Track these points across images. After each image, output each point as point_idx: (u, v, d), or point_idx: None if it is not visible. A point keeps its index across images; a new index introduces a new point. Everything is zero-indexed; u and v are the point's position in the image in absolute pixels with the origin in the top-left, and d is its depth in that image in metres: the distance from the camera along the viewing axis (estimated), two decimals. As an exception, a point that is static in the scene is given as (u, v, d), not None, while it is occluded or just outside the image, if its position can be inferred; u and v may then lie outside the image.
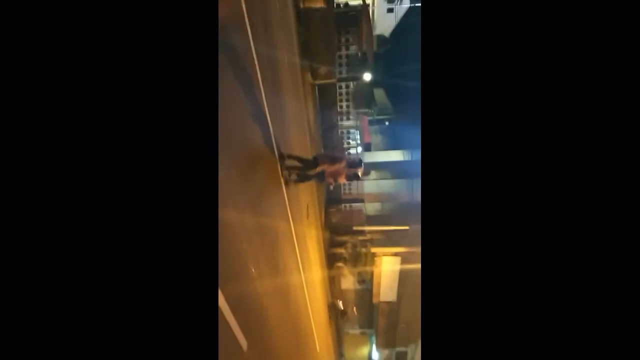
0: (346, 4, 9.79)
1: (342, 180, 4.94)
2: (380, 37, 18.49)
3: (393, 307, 16.86)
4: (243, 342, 2.89)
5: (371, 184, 17.08)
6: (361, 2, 9.64)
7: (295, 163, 5.22)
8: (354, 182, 15.57)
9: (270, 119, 4.81)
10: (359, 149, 17.28)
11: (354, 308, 16.18)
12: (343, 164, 4.84)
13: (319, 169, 4.88)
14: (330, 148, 11.62)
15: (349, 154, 15.75)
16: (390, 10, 19.42)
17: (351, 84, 12.82)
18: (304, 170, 5.18)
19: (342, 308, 14.47)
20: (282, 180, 5.17)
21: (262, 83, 4.56)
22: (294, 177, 5.34)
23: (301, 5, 8.04)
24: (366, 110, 17.42)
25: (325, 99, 11.33)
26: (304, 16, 8.16)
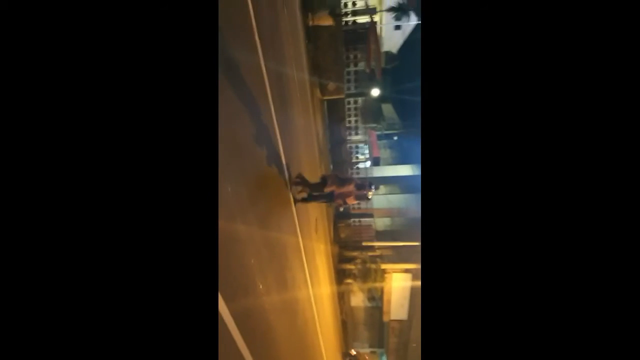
0: (354, 22, 10.02)
1: (352, 201, 4.91)
2: (388, 54, 18.76)
3: (404, 326, 16.40)
4: (249, 359, 2.82)
5: (380, 199, 16.96)
6: (369, 20, 9.86)
7: (304, 182, 5.23)
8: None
9: (280, 135, 4.85)
10: (368, 164, 17.31)
11: (367, 357, 15.94)
12: (352, 185, 4.81)
13: (327, 189, 4.87)
14: (339, 163, 11.63)
15: (358, 171, 15.66)
16: (397, 28, 19.76)
17: (359, 100, 12.96)
18: (313, 190, 5.18)
19: (354, 353, 14.29)
20: (291, 197, 5.17)
21: (272, 99, 4.63)
22: (302, 196, 5.34)
23: (310, 23, 8.25)
24: (375, 125, 17.51)
25: (334, 114, 11.44)
26: (313, 33, 8.35)
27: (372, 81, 13.28)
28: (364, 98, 13.39)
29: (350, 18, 9.69)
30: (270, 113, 4.56)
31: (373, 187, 4.95)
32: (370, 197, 5.00)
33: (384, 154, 19.52)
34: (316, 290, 7.15)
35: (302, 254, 5.84)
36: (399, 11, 12.83)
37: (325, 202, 5.51)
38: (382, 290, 15.34)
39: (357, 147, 16.91)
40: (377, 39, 10.22)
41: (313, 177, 5.87)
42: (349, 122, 14.12)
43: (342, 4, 8.66)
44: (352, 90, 11.67)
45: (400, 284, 15.13)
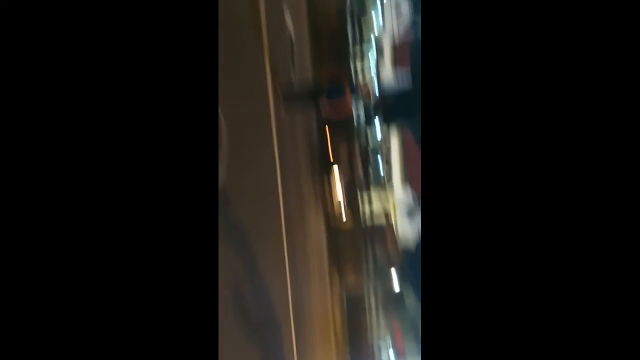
0: (372, 220, 11.13)
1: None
2: (406, 241, 19.68)
3: None
4: None
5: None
6: (385, 220, 11.02)
7: None
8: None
9: (295, 332, 4.55)
10: (392, 354, 15.64)
11: None
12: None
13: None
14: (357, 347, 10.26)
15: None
16: (411, 216, 21.43)
17: (379, 290, 12.82)
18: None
19: None
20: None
21: (292, 307, 4.58)
22: None
23: (331, 224, 9.16)
24: (397, 315, 16.67)
25: (353, 308, 11.00)
26: (333, 228, 9.13)
27: (391, 267, 13.49)
28: (384, 290, 13.27)
29: (367, 215, 10.83)
30: (289, 320, 4.39)
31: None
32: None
33: (409, 345, 17.79)
34: None
35: None
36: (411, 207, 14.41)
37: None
38: None
39: (379, 339, 15.54)
40: (394, 238, 11.10)
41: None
42: (370, 313, 13.36)
43: (360, 202, 9.84)
44: (372, 280, 11.68)
45: None
